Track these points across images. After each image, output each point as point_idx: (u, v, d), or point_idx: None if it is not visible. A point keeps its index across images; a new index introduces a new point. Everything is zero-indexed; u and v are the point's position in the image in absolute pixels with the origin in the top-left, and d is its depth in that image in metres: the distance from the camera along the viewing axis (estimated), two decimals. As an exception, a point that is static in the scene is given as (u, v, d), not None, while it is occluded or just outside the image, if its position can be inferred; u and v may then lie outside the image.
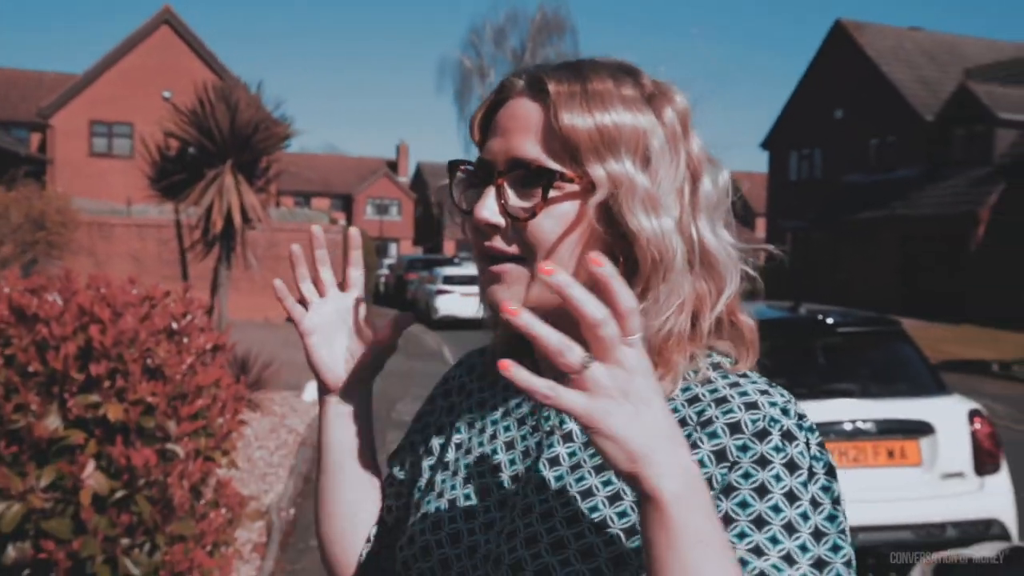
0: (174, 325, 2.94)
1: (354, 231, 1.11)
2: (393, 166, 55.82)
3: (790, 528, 0.79)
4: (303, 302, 1.08)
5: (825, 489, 0.82)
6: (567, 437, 0.94)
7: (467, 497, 0.98)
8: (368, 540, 1.10)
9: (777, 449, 0.82)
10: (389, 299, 28.22)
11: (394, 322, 1.06)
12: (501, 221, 0.89)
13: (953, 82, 24.70)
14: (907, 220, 23.24)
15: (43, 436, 2.50)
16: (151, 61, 26.65)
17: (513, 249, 0.89)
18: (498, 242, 0.90)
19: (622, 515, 0.87)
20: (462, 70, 36.35)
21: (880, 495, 4.05)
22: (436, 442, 1.07)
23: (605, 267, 0.69)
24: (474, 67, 36.05)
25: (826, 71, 28.42)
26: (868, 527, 3.97)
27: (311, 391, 9.25)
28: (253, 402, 8.36)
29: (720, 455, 0.83)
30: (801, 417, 0.85)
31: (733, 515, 0.80)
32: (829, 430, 4.09)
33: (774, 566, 0.77)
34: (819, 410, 4.14)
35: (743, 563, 0.77)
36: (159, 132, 9.03)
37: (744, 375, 0.90)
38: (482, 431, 1.02)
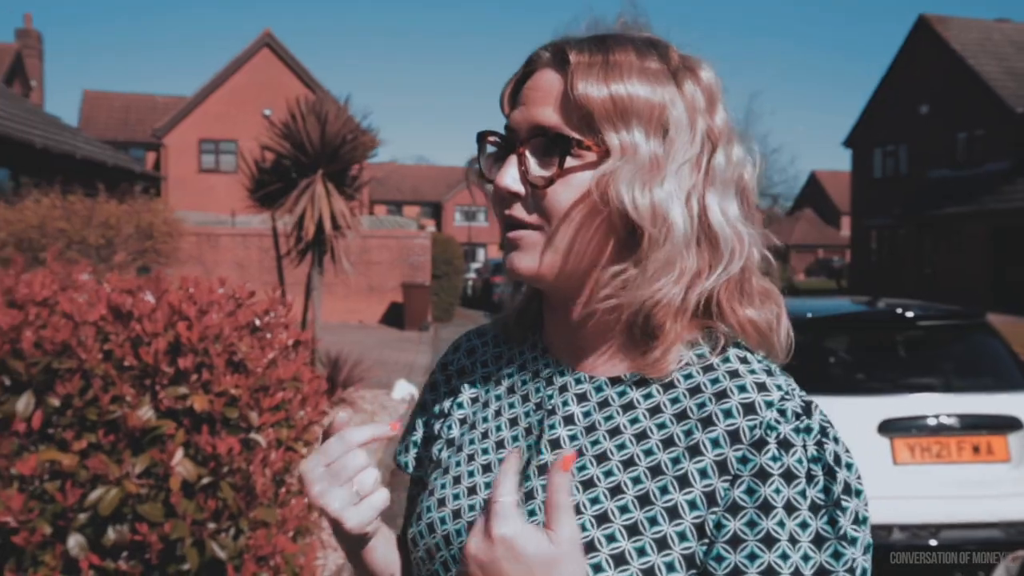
0: (257, 322, 3.11)
1: (341, 417, 0.97)
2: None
3: (793, 540, 0.79)
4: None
5: (825, 491, 0.81)
6: (568, 419, 0.93)
7: (471, 474, 0.98)
8: None
9: (774, 459, 0.82)
10: (476, 301, 28.72)
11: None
12: (521, 189, 0.90)
13: (1044, 73, 23.80)
14: (997, 214, 22.49)
15: (137, 426, 2.69)
16: (253, 81, 27.92)
17: (532, 218, 0.90)
18: (517, 210, 0.90)
19: (624, 510, 0.86)
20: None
21: (965, 492, 3.92)
22: (443, 425, 1.07)
23: None
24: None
25: (910, 67, 27.79)
26: (953, 524, 3.86)
27: (400, 389, 9.50)
28: (345, 399, 8.66)
29: (722, 467, 0.84)
30: (799, 416, 0.84)
31: (742, 535, 0.81)
32: (910, 425, 4.00)
33: None
34: (900, 405, 4.06)
35: None
36: (258, 147, 9.48)
37: (744, 359, 0.90)
38: (486, 406, 1.03)
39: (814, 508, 0.81)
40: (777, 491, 0.81)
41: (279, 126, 8.99)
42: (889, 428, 3.97)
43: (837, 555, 0.79)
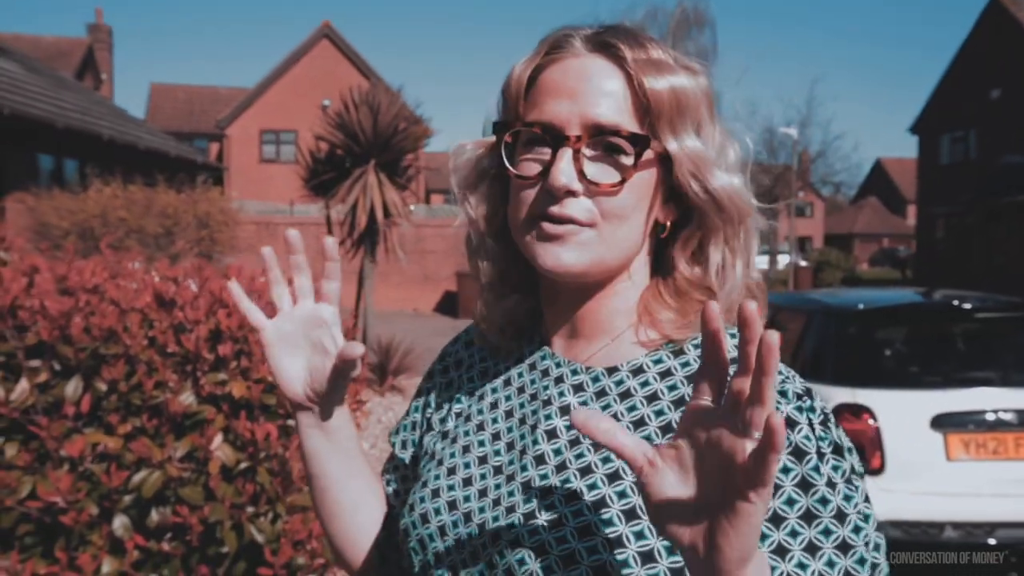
0: (297, 311, 3.15)
1: (330, 241, 0.97)
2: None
3: (808, 516, 0.78)
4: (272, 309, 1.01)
5: (835, 469, 0.81)
6: (564, 409, 0.93)
7: (466, 465, 0.98)
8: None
9: None
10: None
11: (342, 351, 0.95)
12: (580, 187, 0.86)
13: None
14: (1075, 202, 21.52)
15: (179, 411, 2.75)
16: (313, 72, 28.34)
17: (592, 217, 0.87)
18: (571, 207, 0.86)
19: (622, 495, 0.85)
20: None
21: (1023, 490, 3.79)
22: (436, 416, 1.07)
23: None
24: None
25: (980, 50, 26.82)
26: (1010, 523, 3.73)
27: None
28: (395, 387, 8.75)
29: None
30: (800, 397, 0.84)
31: None
32: (967, 420, 3.87)
33: (799, 564, 0.77)
34: (955, 399, 3.93)
35: (771, 569, 0.76)
36: (313, 137, 9.62)
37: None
38: (482, 399, 1.03)
39: (831, 484, 0.80)
40: (785, 470, 0.79)
41: (333, 116, 9.10)
42: (943, 423, 3.85)
43: (857, 530, 0.79)
